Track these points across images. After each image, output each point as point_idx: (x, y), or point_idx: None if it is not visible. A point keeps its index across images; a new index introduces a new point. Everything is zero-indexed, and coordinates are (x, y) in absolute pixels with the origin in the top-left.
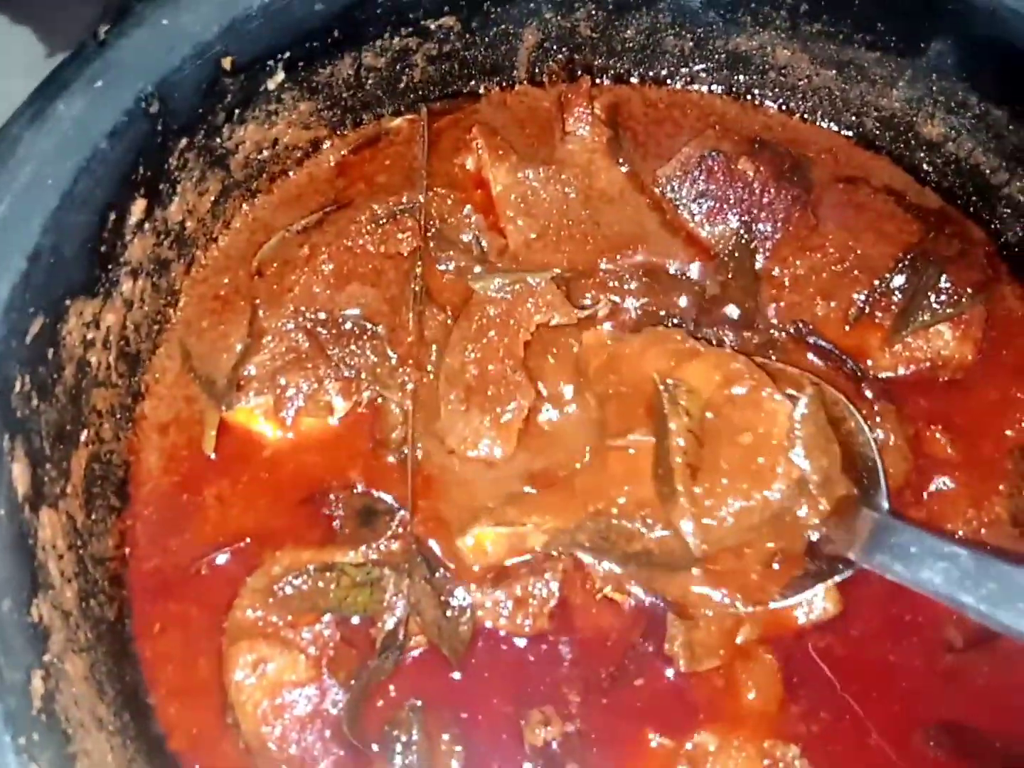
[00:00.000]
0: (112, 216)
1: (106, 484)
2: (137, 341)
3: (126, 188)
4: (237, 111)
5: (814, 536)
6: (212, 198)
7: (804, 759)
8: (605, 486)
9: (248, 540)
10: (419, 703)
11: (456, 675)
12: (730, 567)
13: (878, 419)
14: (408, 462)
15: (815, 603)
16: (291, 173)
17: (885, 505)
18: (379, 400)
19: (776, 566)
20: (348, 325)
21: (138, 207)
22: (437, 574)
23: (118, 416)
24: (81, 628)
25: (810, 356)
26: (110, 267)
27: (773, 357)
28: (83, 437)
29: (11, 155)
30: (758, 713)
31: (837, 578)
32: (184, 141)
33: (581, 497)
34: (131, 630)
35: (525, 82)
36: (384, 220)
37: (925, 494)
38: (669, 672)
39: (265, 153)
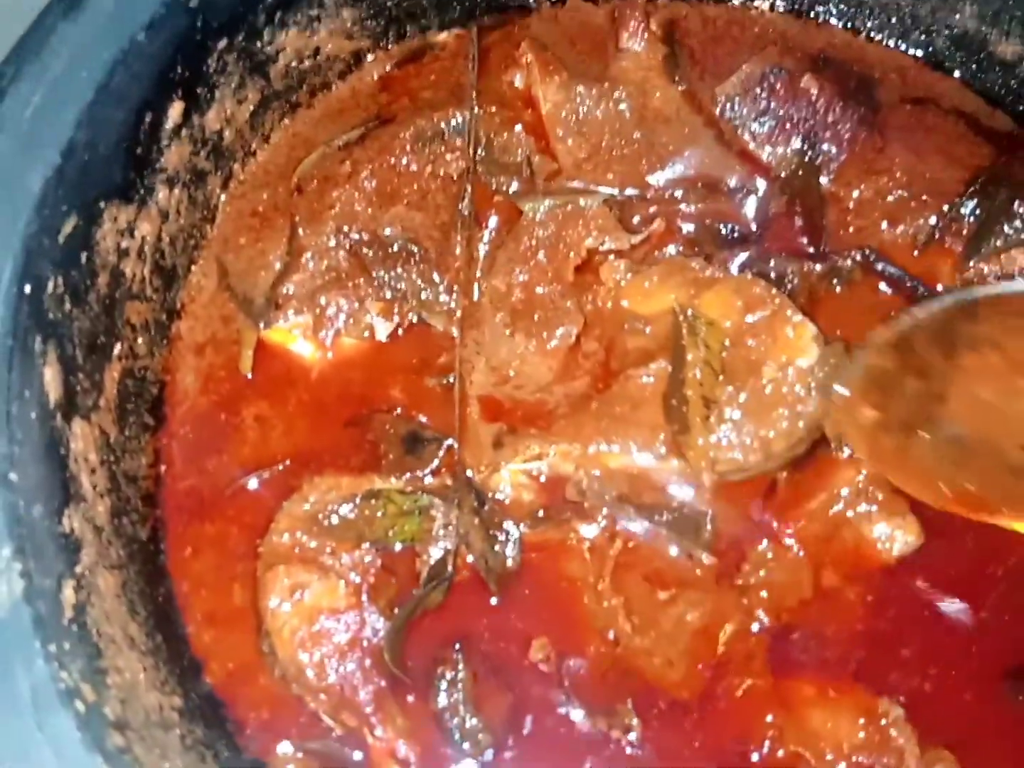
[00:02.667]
0: (148, 117)
1: (140, 401)
2: (173, 255)
3: (163, 87)
4: (278, 13)
5: None
6: (251, 108)
7: (906, 722)
8: (623, 412)
9: (287, 463)
10: (463, 641)
11: (498, 608)
12: None
13: None
14: (455, 389)
15: (896, 536)
16: (333, 87)
17: None
18: (423, 323)
19: None
20: (393, 247)
21: (175, 110)
22: (485, 506)
23: (153, 333)
24: (113, 545)
25: (881, 286)
26: (146, 173)
27: (838, 287)
28: (117, 350)
29: (45, 46)
30: (852, 658)
31: None
32: (223, 42)
33: (596, 422)
34: (164, 552)
35: None
36: (430, 138)
37: None
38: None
39: (306, 63)
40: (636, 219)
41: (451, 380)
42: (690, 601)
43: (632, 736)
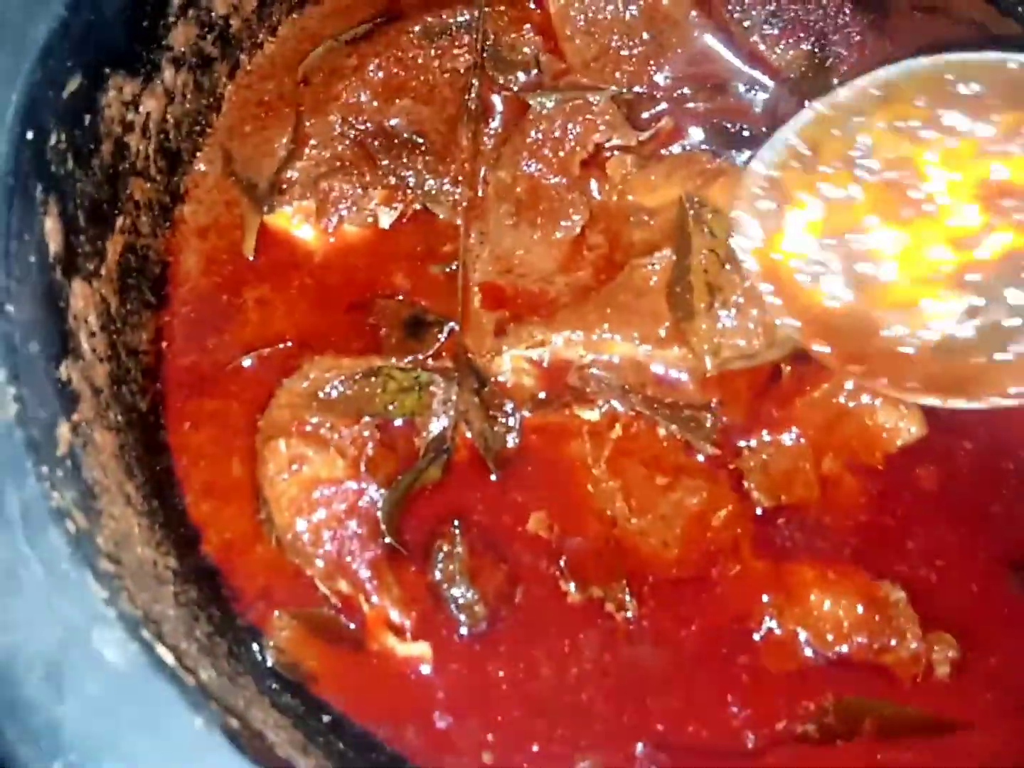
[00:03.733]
0: None
1: (141, 278)
2: (178, 138)
3: None
4: None
5: None
6: None
7: (908, 604)
8: (626, 301)
9: (288, 343)
10: (461, 517)
11: (496, 485)
12: None
13: None
14: (459, 276)
15: (900, 426)
16: None
17: None
18: (427, 212)
19: None
20: (399, 138)
21: None
22: (486, 387)
23: (156, 213)
24: (112, 408)
25: None
26: (152, 47)
27: None
28: (119, 223)
29: None
30: (852, 546)
31: None
32: None
33: (600, 311)
34: (163, 426)
35: None
36: (438, 33)
37: None
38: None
39: None
40: (644, 116)
41: (454, 268)
42: (688, 487)
43: (628, 613)
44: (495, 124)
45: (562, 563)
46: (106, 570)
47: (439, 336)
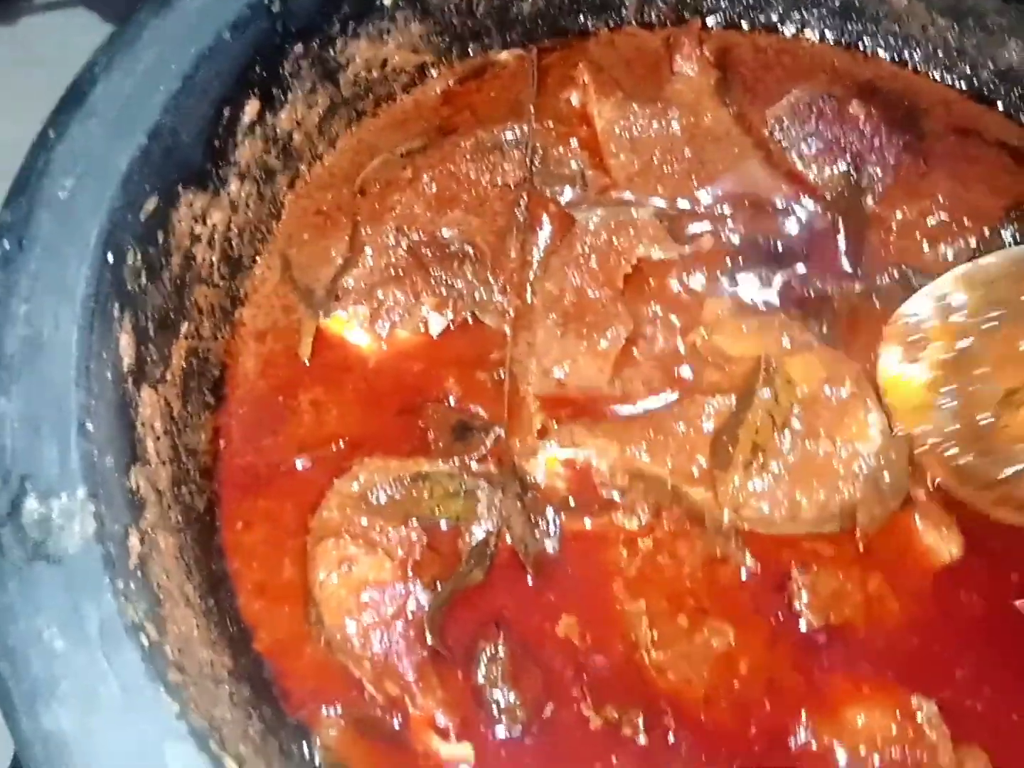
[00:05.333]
0: (227, 111)
1: (202, 380)
2: (240, 246)
3: (242, 85)
4: (351, 23)
5: None
6: (320, 112)
7: (940, 719)
8: (671, 428)
9: (341, 445)
10: (502, 619)
11: (534, 589)
12: None
13: None
14: (505, 383)
15: (940, 547)
16: (398, 99)
17: None
18: (476, 321)
19: None
20: (451, 248)
21: (252, 108)
22: (528, 494)
23: (217, 317)
24: (173, 510)
25: None
26: (221, 164)
27: (877, 304)
28: (184, 329)
29: (137, 39)
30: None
31: None
32: (300, 47)
33: (643, 430)
34: (218, 526)
35: (634, 22)
36: (490, 149)
37: None
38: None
39: (374, 73)
40: (686, 231)
41: (502, 375)
42: (714, 629)
43: (641, 740)
44: (544, 236)
45: (584, 679)
46: (175, 681)
47: (485, 440)
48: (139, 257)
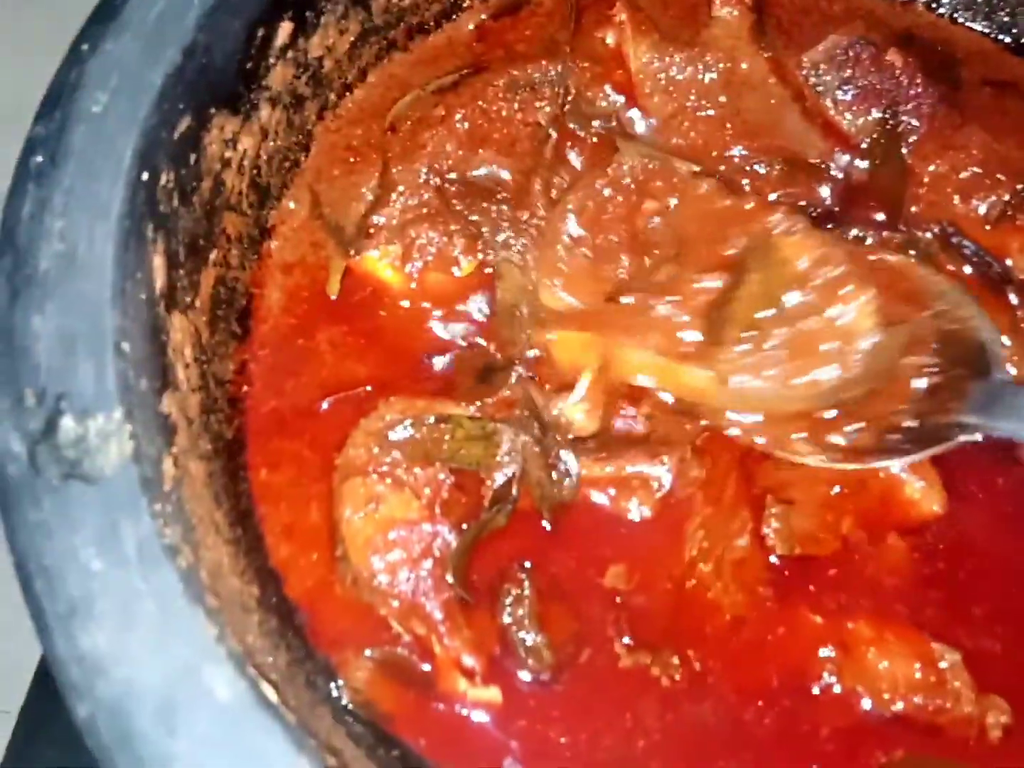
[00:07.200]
0: (260, 32)
1: (229, 310)
2: (268, 174)
3: (276, 5)
4: None
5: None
6: (351, 39)
7: (963, 667)
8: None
9: (368, 388)
10: (528, 564)
11: (554, 535)
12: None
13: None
14: (523, 322)
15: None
16: (429, 33)
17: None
18: (501, 262)
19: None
20: (479, 187)
21: (284, 30)
22: (547, 435)
23: (245, 246)
24: (202, 438)
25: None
26: (252, 87)
27: (915, 259)
28: (212, 256)
29: None
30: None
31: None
32: None
33: (633, 318)
34: (245, 464)
35: None
36: (523, 87)
37: None
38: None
39: (406, 0)
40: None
41: (523, 311)
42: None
43: (676, 677)
44: (571, 170)
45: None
46: (212, 606)
47: (508, 380)
48: (172, 178)
